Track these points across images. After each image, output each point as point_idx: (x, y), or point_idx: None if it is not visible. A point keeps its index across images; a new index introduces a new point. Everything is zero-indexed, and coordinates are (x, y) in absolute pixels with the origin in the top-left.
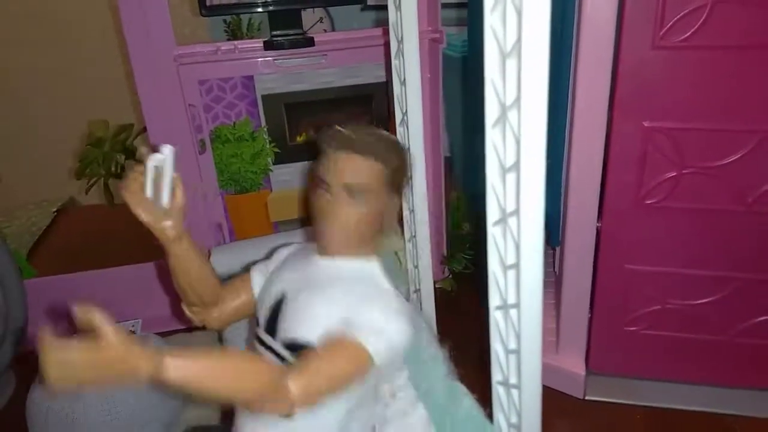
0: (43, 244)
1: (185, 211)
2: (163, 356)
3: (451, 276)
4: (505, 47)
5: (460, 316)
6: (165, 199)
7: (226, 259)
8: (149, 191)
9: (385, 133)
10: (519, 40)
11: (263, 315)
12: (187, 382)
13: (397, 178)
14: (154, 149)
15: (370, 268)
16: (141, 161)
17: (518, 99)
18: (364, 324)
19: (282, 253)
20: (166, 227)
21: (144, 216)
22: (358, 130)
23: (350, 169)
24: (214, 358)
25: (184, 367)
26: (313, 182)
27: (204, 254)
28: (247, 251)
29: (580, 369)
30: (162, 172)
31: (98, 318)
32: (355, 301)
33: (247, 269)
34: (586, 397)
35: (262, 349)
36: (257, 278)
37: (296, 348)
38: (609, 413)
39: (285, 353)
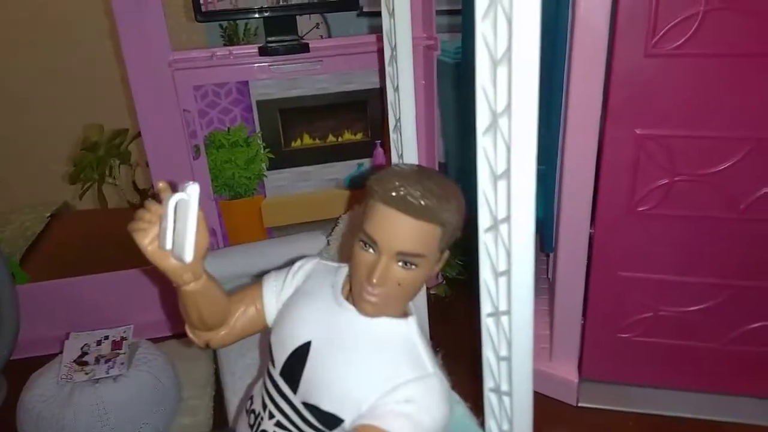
0: (37, 249)
1: (205, 252)
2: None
3: (444, 282)
4: (495, 54)
5: (454, 323)
6: (188, 253)
7: (219, 265)
8: (169, 243)
9: (449, 185)
10: (509, 47)
11: (281, 358)
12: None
13: (454, 235)
14: (172, 186)
15: (408, 330)
16: (156, 199)
17: (509, 106)
18: (399, 412)
19: (298, 275)
20: (185, 272)
21: (160, 261)
22: (420, 187)
23: (409, 237)
24: None
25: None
26: (357, 234)
27: (218, 283)
28: (240, 256)
29: (573, 376)
30: (183, 215)
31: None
32: (391, 377)
33: (254, 278)
34: (579, 404)
35: (276, 395)
36: (270, 297)
37: (318, 413)
38: (602, 420)
39: (306, 413)
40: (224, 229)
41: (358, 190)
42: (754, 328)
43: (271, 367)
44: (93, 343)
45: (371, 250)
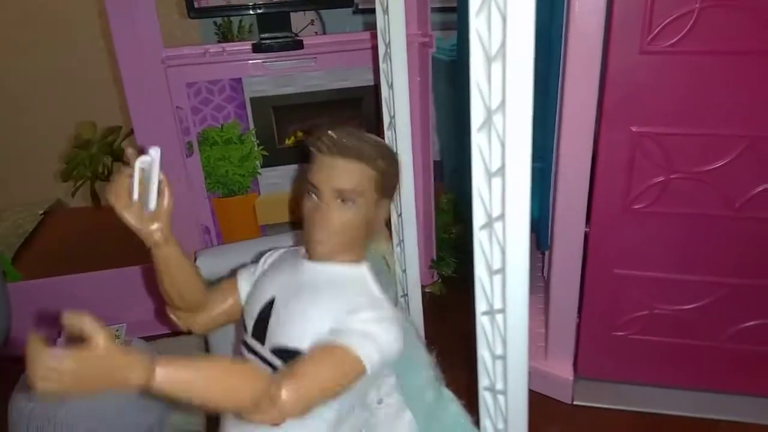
0: (30, 247)
1: (171, 214)
2: (153, 365)
3: (440, 280)
4: (490, 51)
5: (449, 321)
6: (152, 202)
7: (213, 263)
8: (136, 194)
9: (375, 137)
10: (504, 44)
11: (250, 320)
12: (176, 390)
13: (388, 182)
14: (141, 151)
15: (360, 272)
16: (127, 163)
17: (503, 103)
18: (355, 330)
19: (268, 260)
20: (153, 231)
21: (130, 220)
22: (349, 134)
23: (341, 174)
24: (204, 365)
25: (174, 376)
26: (304, 187)
27: (190, 258)
28: (234, 254)
29: (568, 374)
30: (149, 174)
31: (89, 324)
32: (346, 306)
33: (233, 273)
34: (575, 402)
35: (250, 355)
36: (243, 283)
37: (285, 354)
38: (597, 418)
39: (274, 360)
40: (218, 227)
41: None
42: (750, 326)
43: (244, 335)
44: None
45: (314, 197)
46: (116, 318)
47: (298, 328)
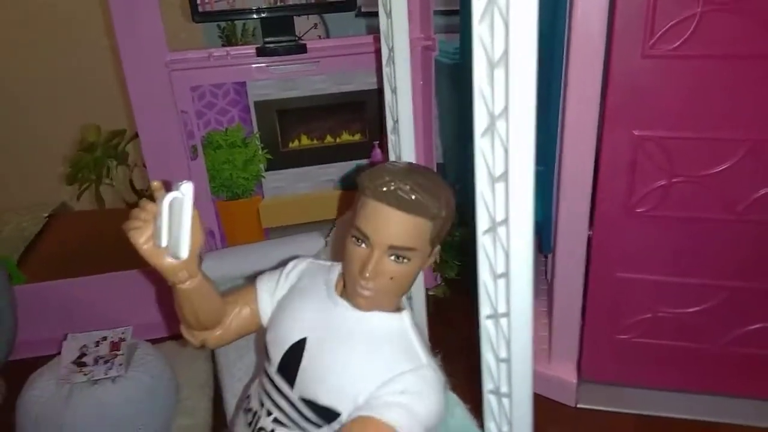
0: (35, 250)
1: (199, 250)
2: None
3: (443, 283)
4: (493, 57)
5: (452, 324)
6: (184, 250)
7: (217, 266)
8: (164, 240)
9: (437, 180)
10: (506, 50)
11: (277, 355)
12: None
13: (444, 232)
14: (166, 186)
15: (401, 325)
16: (152, 198)
17: (506, 109)
18: (396, 403)
19: (292, 274)
20: (179, 270)
21: (156, 261)
22: (410, 181)
23: (399, 230)
24: None
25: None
26: (351, 229)
27: (212, 282)
28: (238, 257)
29: (572, 377)
30: (178, 213)
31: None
32: (386, 371)
33: (250, 280)
34: (579, 405)
35: (273, 392)
36: (264, 297)
37: (316, 407)
38: (601, 421)
39: (303, 408)
40: (222, 230)
41: (349, 191)
42: (753, 330)
43: (267, 365)
44: (91, 344)
45: (363, 245)
46: (123, 321)
47: (334, 385)
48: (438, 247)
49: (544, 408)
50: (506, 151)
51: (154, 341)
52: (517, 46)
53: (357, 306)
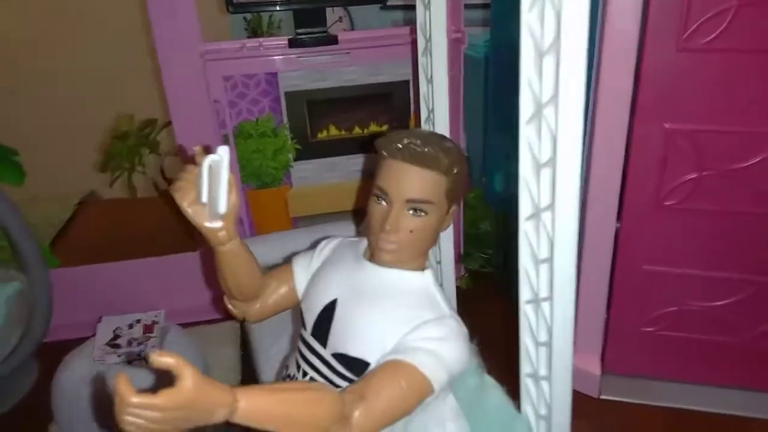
0: (65, 236)
1: (237, 213)
2: (236, 400)
3: (467, 274)
4: (542, 45)
5: (476, 315)
6: (222, 205)
7: None
8: (205, 196)
9: (447, 140)
10: (558, 38)
11: (310, 318)
12: (257, 421)
13: (459, 190)
14: (206, 150)
15: (425, 282)
16: (194, 162)
17: (555, 96)
18: (422, 348)
19: (325, 250)
20: (218, 229)
21: (197, 219)
22: (421, 137)
23: (415, 183)
24: (284, 396)
25: (256, 408)
26: (372, 189)
27: (251, 253)
28: (267, 246)
29: (596, 369)
30: (217, 174)
31: (177, 363)
32: (411, 320)
33: (287, 260)
34: (602, 397)
35: (308, 353)
36: (300, 273)
37: (347, 360)
38: (624, 413)
39: (335, 364)
40: (251, 219)
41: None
42: None
43: (303, 332)
44: (125, 326)
45: (383, 203)
46: (154, 305)
47: (362, 337)
48: (455, 207)
49: None
50: (554, 137)
51: (185, 325)
52: (568, 34)
53: (381, 261)
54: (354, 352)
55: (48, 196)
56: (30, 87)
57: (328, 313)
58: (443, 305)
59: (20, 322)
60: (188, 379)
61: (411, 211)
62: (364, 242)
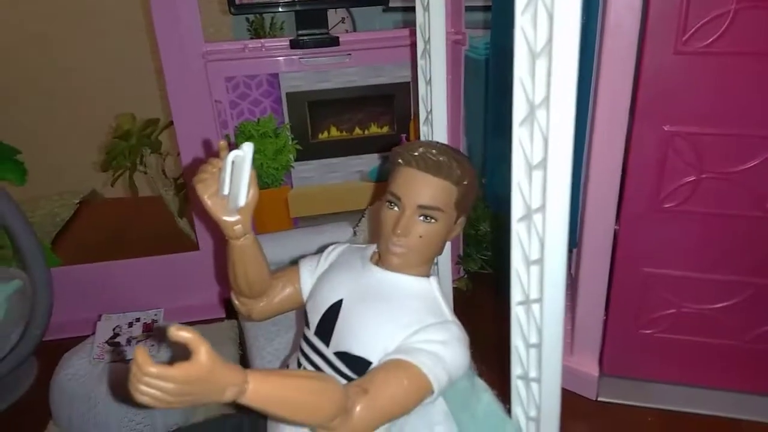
0: (66, 235)
1: (254, 208)
2: (246, 381)
3: (466, 276)
4: (535, 48)
5: (475, 317)
6: (242, 198)
7: None
8: (227, 189)
9: (460, 153)
10: (550, 41)
11: (315, 317)
12: (264, 404)
13: (469, 201)
14: (230, 146)
15: (429, 287)
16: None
17: (547, 98)
18: (424, 350)
19: (332, 254)
20: (235, 223)
21: (216, 211)
22: (436, 148)
23: (428, 190)
24: (294, 382)
25: (265, 391)
26: (384, 196)
27: (261, 248)
28: (267, 246)
29: (593, 370)
30: (240, 169)
31: (193, 338)
32: (415, 323)
33: (294, 262)
34: (599, 399)
35: (310, 351)
36: (306, 276)
37: (349, 359)
38: (622, 415)
39: (337, 363)
40: (252, 219)
41: (378, 182)
42: None
43: (306, 331)
44: (125, 325)
45: (395, 208)
46: (153, 304)
47: (366, 336)
48: (463, 219)
49: (565, 400)
50: (545, 139)
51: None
52: (560, 37)
53: (389, 264)
54: (356, 351)
55: (49, 195)
56: (32, 86)
57: (332, 312)
58: (446, 311)
59: (20, 320)
60: (204, 354)
61: (421, 218)
62: (371, 248)
